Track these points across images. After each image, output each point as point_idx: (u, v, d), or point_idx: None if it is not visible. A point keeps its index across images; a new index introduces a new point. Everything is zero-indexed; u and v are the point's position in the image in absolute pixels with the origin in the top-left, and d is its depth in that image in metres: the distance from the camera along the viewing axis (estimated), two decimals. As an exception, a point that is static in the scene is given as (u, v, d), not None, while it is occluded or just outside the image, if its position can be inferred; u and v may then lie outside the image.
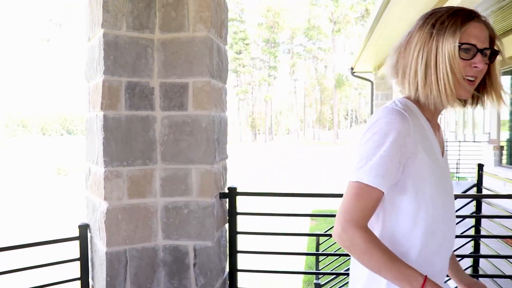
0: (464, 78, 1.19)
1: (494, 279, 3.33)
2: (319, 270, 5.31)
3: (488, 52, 1.21)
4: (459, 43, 1.17)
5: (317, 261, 5.51)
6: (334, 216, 2.73)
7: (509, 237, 2.90)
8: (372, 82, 10.47)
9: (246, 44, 56.72)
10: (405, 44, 1.26)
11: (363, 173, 1.14)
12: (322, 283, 3.93)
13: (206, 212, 2.30)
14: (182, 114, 2.31)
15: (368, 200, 1.14)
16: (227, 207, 2.58)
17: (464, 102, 1.29)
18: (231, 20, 56.38)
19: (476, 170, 3.72)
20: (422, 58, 1.21)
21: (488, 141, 8.87)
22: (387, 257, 1.11)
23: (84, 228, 2.40)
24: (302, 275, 6.44)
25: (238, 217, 2.64)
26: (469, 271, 3.64)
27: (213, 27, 2.32)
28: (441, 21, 1.20)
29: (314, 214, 2.41)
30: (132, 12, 2.26)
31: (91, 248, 2.41)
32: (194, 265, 2.32)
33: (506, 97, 1.29)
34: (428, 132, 1.25)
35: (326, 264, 5.67)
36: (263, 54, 58.42)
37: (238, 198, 2.61)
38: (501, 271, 3.31)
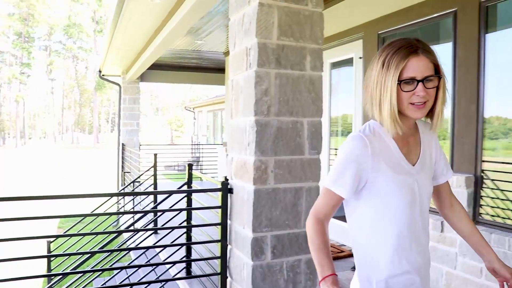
0: (412, 104, 1.41)
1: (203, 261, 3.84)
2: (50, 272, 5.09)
3: (433, 77, 1.42)
4: (399, 80, 1.39)
5: (49, 264, 5.33)
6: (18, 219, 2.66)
7: (209, 225, 3.39)
8: (120, 86, 10.49)
9: (-7, 36, 49.35)
10: (368, 78, 1.49)
11: (327, 181, 1.49)
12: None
13: None
14: None
15: (329, 199, 1.49)
16: None
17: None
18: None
19: (186, 170, 4.19)
20: (377, 92, 1.44)
21: (222, 144, 10.02)
22: (317, 244, 1.44)
23: None
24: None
25: None
26: (185, 259, 4.09)
27: None
28: (388, 59, 1.41)
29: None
30: None
31: None
32: None
33: (439, 124, 1.52)
34: (394, 149, 1.50)
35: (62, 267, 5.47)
36: (15, 49, 51.74)
37: None
38: (201, 255, 3.84)
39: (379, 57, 1.45)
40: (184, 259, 4.07)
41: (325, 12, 2.91)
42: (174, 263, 3.79)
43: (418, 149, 1.57)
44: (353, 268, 4.22)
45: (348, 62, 5.21)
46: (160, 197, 5.75)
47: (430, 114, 1.50)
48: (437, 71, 1.44)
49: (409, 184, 1.49)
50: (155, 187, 5.93)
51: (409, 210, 1.47)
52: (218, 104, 18.71)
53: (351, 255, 4.61)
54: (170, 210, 3.62)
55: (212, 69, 11.44)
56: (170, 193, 3.75)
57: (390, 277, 1.45)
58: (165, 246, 3.63)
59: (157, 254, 4.39)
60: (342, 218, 5.03)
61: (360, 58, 4.84)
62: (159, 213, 5.03)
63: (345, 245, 4.99)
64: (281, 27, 2.71)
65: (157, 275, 4.21)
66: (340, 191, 1.46)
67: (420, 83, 1.39)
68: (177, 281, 4.18)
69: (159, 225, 5.35)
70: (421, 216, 1.51)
